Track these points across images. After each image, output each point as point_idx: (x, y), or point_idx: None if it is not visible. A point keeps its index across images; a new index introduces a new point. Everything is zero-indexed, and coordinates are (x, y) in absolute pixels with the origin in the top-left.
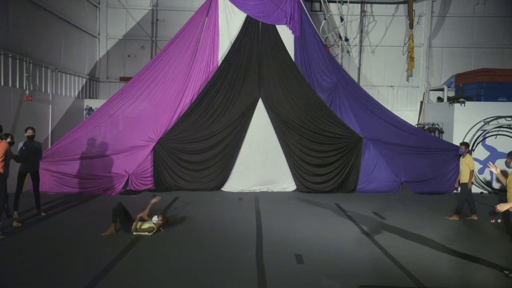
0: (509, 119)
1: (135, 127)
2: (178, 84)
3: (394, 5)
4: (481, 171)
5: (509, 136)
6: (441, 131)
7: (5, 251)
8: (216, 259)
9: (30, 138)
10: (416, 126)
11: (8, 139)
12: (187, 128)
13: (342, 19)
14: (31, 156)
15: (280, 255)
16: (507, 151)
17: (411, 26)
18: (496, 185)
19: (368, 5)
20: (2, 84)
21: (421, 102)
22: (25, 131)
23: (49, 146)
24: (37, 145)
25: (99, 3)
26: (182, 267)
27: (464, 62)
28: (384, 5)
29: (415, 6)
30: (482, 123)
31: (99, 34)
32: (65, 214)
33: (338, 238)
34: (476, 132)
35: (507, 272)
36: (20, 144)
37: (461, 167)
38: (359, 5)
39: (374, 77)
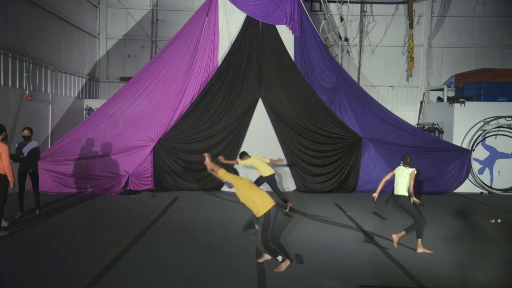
0: (509, 119)
1: (135, 127)
2: (178, 84)
3: (394, 5)
4: (480, 171)
5: (509, 136)
6: (441, 131)
7: (5, 251)
8: (216, 259)
9: (26, 138)
10: (416, 126)
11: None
12: (187, 128)
13: (342, 19)
14: (28, 156)
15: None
16: (507, 151)
17: (411, 26)
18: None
19: (368, 5)
20: (2, 84)
21: (421, 102)
22: (22, 131)
23: (49, 146)
24: (34, 145)
25: (99, 3)
26: (182, 267)
27: (464, 62)
28: (384, 5)
29: (415, 6)
30: (482, 123)
31: (99, 34)
32: (65, 214)
33: (338, 238)
34: (476, 132)
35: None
36: (17, 145)
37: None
38: (359, 5)
39: (374, 77)
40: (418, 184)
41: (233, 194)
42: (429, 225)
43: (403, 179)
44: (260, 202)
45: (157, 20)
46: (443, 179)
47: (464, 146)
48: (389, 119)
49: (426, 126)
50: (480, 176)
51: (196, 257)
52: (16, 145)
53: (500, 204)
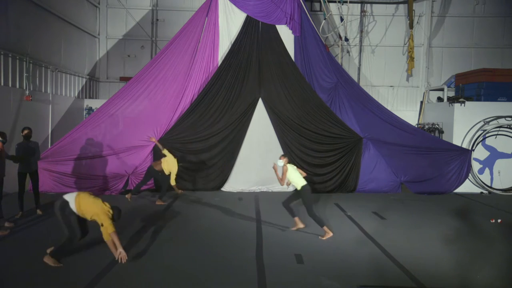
0: (509, 119)
1: (135, 127)
2: (178, 84)
3: (394, 5)
4: (481, 171)
5: (509, 136)
6: (441, 131)
7: (4, 250)
8: (216, 259)
9: (26, 138)
10: (416, 126)
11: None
12: (187, 128)
13: (342, 19)
14: (27, 156)
15: (280, 255)
16: (507, 151)
17: (411, 26)
18: (496, 185)
19: (368, 5)
20: (2, 84)
21: (421, 102)
22: (22, 131)
23: (49, 146)
24: (33, 145)
25: (99, 3)
26: (181, 267)
27: (464, 62)
28: (384, 5)
29: (415, 6)
30: (482, 123)
31: (99, 34)
32: None
33: (338, 238)
34: (476, 132)
35: None
36: (16, 145)
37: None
38: (359, 5)
39: (374, 77)
40: (418, 184)
41: (233, 195)
42: (429, 225)
43: (296, 172)
44: None
45: (157, 20)
46: (443, 179)
47: (464, 146)
48: (389, 119)
49: (426, 126)
50: (480, 176)
51: (196, 257)
52: (16, 145)
53: (500, 204)
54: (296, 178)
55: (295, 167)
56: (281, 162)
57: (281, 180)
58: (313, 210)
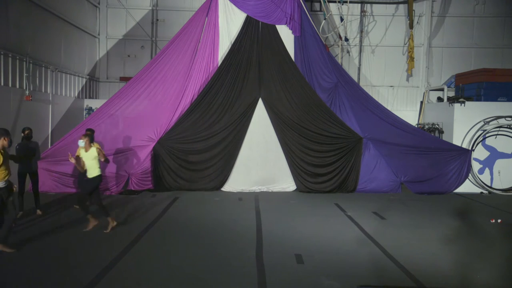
0: (509, 119)
1: (135, 127)
2: (178, 84)
3: (394, 5)
4: (481, 171)
5: (509, 136)
6: (441, 131)
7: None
8: (216, 259)
9: (27, 138)
10: (416, 126)
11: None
12: (187, 128)
13: (342, 19)
14: (27, 156)
15: (280, 255)
16: (507, 151)
17: (411, 26)
18: (496, 185)
19: (368, 5)
20: (2, 84)
21: (421, 102)
22: (22, 131)
23: (49, 146)
24: (33, 145)
25: (99, 3)
26: (182, 267)
27: (464, 62)
28: (384, 5)
29: (415, 6)
30: (482, 123)
31: (99, 34)
32: (65, 214)
33: (338, 238)
34: (476, 132)
35: None
36: (17, 145)
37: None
38: (359, 5)
39: (374, 77)
40: (418, 184)
41: (233, 195)
42: (429, 225)
43: (93, 159)
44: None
45: (157, 20)
46: (443, 179)
47: (464, 146)
48: (389, 119)
49: (426, 126)
50: (480, 176)
51: (196, 257)
52: (16, 145)
53: (500, 204)
54: (93, 165)
55: (96, 152)
56: (82, 142)
57: (103, 157)
58: (101, 199)
